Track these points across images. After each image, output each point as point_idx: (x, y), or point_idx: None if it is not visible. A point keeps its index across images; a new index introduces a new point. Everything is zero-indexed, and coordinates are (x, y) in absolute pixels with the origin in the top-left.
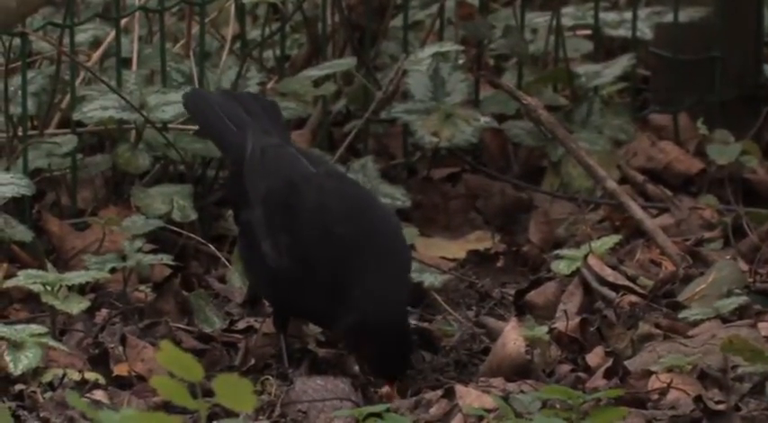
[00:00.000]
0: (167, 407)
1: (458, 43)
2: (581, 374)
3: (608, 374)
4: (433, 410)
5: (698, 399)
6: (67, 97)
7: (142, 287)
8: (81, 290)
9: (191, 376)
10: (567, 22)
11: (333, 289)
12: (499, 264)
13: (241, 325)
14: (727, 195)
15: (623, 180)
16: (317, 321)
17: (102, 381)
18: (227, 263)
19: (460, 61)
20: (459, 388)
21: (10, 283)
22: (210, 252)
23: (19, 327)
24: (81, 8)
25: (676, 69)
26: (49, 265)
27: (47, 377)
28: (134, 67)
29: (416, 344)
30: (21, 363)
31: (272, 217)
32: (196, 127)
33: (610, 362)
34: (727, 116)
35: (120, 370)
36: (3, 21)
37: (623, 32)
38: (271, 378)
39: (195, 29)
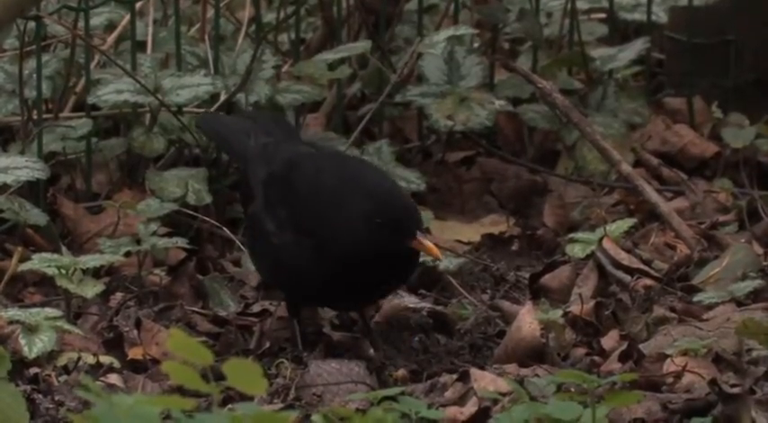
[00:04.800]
0: (182, 390)
1: (473, 27)
2: (596, 358)
3: (623, 358)
4: (447, 394)
5: (713, 382)
6: (82, 81)
7: (157, 271)
8: (96, 273)
9: (201, 361)
10: (581, 5)
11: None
12: (514, 247)
13: (256, 308)
14: (742, 179)
15: (638, 163)
16: (329, 303)
17: (116, 364)
18: (241, 246)
19: (475, 45)
20: (474, 371)
21: (25, 267)
22: (225, 235)
23: (34, 310)
24: None
25: (691, 53)
26: (64, 249)
27: (61, 361)
28: (149, 50)
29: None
30: (35, 346)
31: (272, 195)
32: (211, 110)
33: (624, 345)
34: (742, 100)
35: (134, 354)
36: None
37: (638, 16)
38: (285, 361)
39: (210, 12)
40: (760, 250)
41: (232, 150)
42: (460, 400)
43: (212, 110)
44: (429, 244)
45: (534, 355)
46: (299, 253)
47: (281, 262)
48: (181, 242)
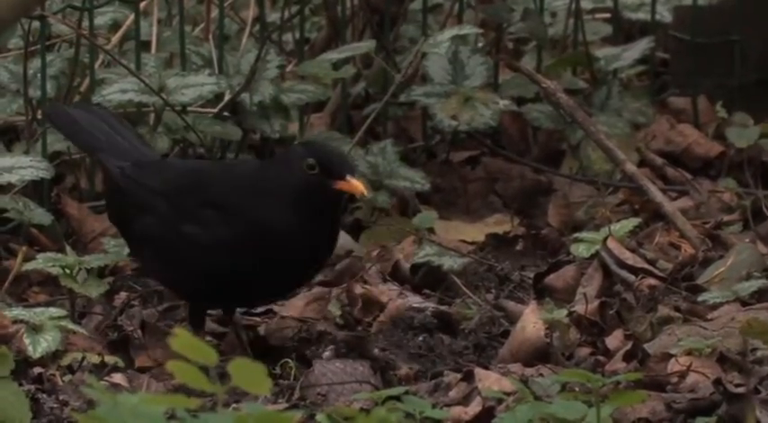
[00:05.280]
0: (186, 390)
1: (477, 26)
2: (600, 357)
3: (627, 357)
4: (452, 393)
5: (717, 382)
6: (87, 80)
7: None
8: (100, 273)
9: (205, 361)
10: (586, 5)
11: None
12: (518, 247)
13: (260, 308)
14: (747, 178)
15: (642, 163)
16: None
17: (121, 364)
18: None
19: (480, 44)
20: (478, 371)
21: (29, 266)
22: None
23: (38, 310)
24: None
25: (695, 52)
26: (68, 249)
27: (66, 360)
28: (153, 50)
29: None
30: (40, 346)
31: (182, 203)
32: (215, 110)
33: (629, 345)
34: (747, 99)
35: (141, 360)
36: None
37: (642, 15)
38: (290, 361)
39: (214, 12)
40: (764, 250)
41: (86, 146)
42: (465, 400)
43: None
44: (356, 182)
45: (539, 354)
46: (229, 236)
47: (211, 258)
48: None
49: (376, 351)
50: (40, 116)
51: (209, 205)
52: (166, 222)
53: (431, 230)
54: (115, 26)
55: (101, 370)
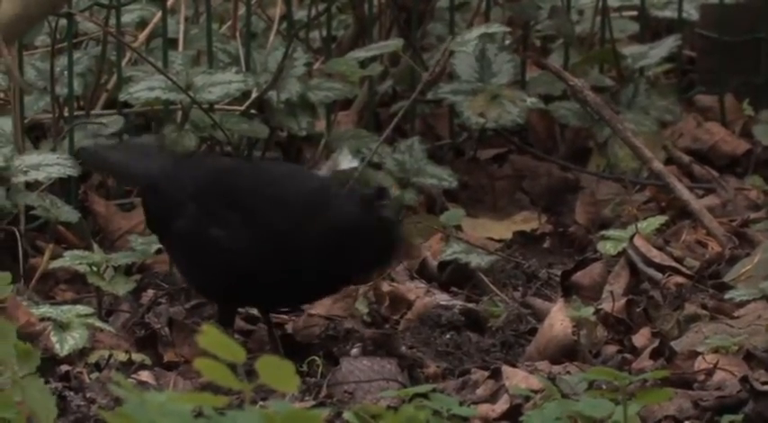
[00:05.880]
0: (214, 388)
1: (504, 24)
2: (627, 355)
3: (654, 355)
4: (479, 391)
5: (744, 379)
6: (114, 78)
7: None
8: (127, 270)
9: (233, 358)
10: (613, 2)
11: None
12: (545, 244)
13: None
14: None
15: (669, 161)
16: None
17: (148, 362)
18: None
19: (507, 42)
20: (505, 369)
21: (56, 264)
22: None
23: (65, 307)
24: None
25: (722, 50)
26: (96, 246)
27: (93, 358)
28: (180, 47)
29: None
30: (67, 343)
31: (212, 204)
32: (242, 108)
33: (656, 343)
34: None
35: (169, 356)
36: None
37: (669, 13)
38: (317, 359)
39: (242, 9)
40: None
41: (129, 174)
42: (492, 398)
43: (243, 107)
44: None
45: (566, 352)
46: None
47: (234, 263)
48: None
49: (403, 349)
50: (67, 114)
51: (235, 208)
52: (196, 224)
53: (458, 228)
54: (142, 24)
55: (128, 368)
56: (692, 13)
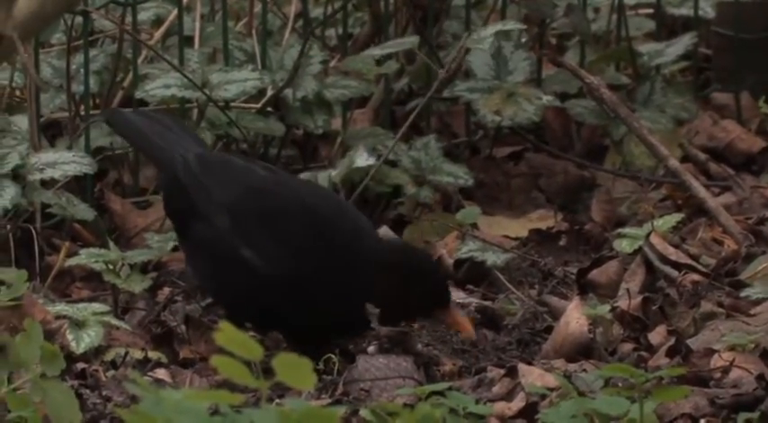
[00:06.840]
0: (230, 386)
1: (520, 22)
2: (643, 353)
3: (670, 353)
4: (495, 389)
5: (760, 377)
6: (130, 76)
7: None
8: (143, 268)
9: (250, 355)
10: (629, 0)
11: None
12: (561, 242)
13: None
14: None
15: (685, 158)
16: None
17: (164, 359)
18: None
19: (523, 40)
20: (521, 366)
21: (72, 262)
22: None
23: (81, 305)
24: None
25: (738, 48)
26: (111, 244)
27: (109, 356)
28: (196, 45)
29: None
30: (83, 341)
31: (246, 224)
32: (258, 105)
33: (672, 340)
34: None
35: (185, 354)
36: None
37: (685, 11)
38: (333, 356)
39: (257, 7)
40: None
41: (152, 155)
42: (508, 396)
43: (259, 105)
44: (459, 319)
45: (582, 350)
46: (290, 284)
47: (258, 289)
48: None
49: (419, 346)
50: (83, 112)
51: (274, 235)
52: (224, 237)
53: (474, 226)
54: (158, 21)
55: (144, 365)
56: (708, 10)
